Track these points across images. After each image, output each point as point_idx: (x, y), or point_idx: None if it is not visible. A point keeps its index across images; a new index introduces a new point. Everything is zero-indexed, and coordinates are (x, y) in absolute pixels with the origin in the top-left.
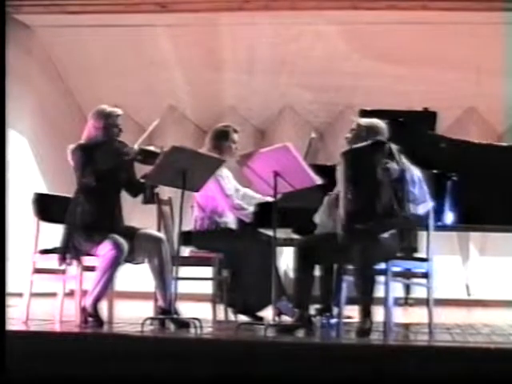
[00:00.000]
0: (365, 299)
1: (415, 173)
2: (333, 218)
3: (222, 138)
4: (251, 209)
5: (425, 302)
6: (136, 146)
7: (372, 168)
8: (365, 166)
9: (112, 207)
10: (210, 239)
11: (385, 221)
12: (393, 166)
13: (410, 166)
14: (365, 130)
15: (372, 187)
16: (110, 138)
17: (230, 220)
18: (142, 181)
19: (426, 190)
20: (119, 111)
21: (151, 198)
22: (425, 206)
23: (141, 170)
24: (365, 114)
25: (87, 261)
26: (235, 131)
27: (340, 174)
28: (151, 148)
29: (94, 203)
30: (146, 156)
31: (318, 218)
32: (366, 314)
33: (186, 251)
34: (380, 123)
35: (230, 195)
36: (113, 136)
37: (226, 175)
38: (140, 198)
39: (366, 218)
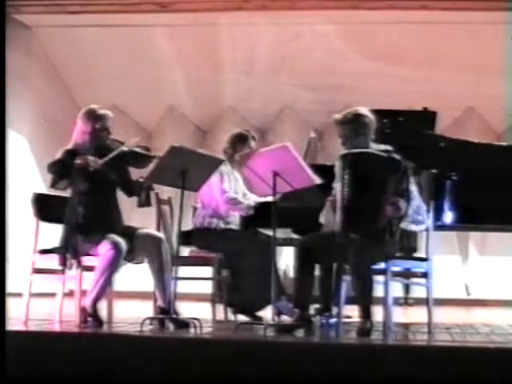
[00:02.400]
0: (364, 300)
1: (416, 195)
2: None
3: (240, 141)
4: (248, 202)
5: (424, 302)
6: (125, 148)
7: (381, 184)
8: (374, 178)
9: (109, 207)
10: (209, 239)
11: (379, 238)
12: (402, 203)
13: (414, 187)
14: (359, 128)
15: (375, 202)
16: (98, 143)
17: (232, 220)
18: (141, 180)
19: (425, 210)
20: (109, 114)
21: (146, 201)
22: (421, 226)
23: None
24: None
25: (86, 261)
26: (254, 138)
27: (344, 176)
28: (139, 150)
29: (90, 204)
30: (135, 159)
31: (322, 218)
32: (366, 314)
33: (185, 251)
34: (368, 115)
35: (226, 191)
36: (101, 140)
37: (233, 177)
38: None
39: (362, 229)
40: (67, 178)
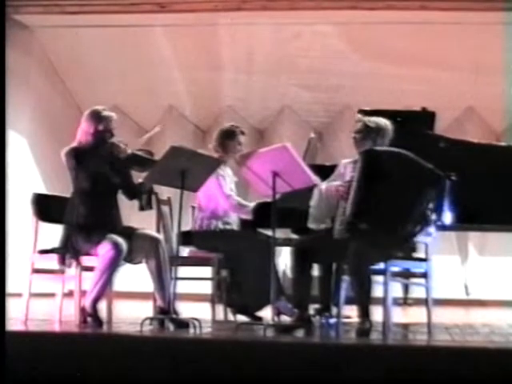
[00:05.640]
0: (362, 300)
1: None
2: (328, 208)
3: (228, 137)
4: (251, 205)
5: (424, 302)
6: (129, 150)
7: (415, 192)
8: (408, 183)
9: (109, 208)
10: (209, 239)
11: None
12: (433, 217)
13: None
14: (375, 131)
15: (404, 207)
16: (101, 143)
17: (232, 221)
18: (141, 181)
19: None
20: (113, 115)
21: (147, 205)
22: (428, 238)
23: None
24: (364, 114)
25: (86, 261)
26: (242, 133)
27: (368, 172)
28: (141, 154)
29: (90, 204)
30: (137, 162)
31: (312, 202)
32: (365, 314)
33: (185, 251)
34: (387, 124)
35: (230, 195)
36: (104, 141)
37: (227, 175)
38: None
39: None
40: (93, 162)
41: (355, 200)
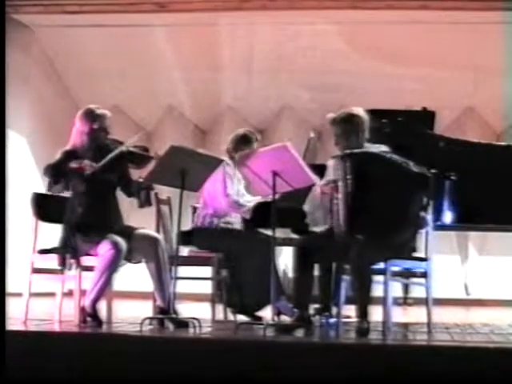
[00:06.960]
0: (362, 299)
1: None
2: (325, 212)
3: (244, 142)
4: (249, 204)
5: (424, 302)
6: (124, 148)
7: (406, 196)
8: (397, 188)
9: (108, 207)
10: (209, 238)
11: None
12: (427, 216)
13: None
14: (354, 131)
15: (397, 211)
16: (97, 143)
17: (233, 220)
18: (140, 180)
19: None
20: (107, 113)
21: (146, 201)
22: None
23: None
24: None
25: (86, 261)
26: (257, 140)
27: (348, 176)
28: (137, 150)
29: (89, 204)
30: (132, 159)
31: (307, 207)
32: (363, 313)
33: (185, 251)
34: (361, 115)
35: (230, 194)
36: (99, 140)
37: (236, 176)
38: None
39: (372, 230)
40: (62, 182)
41: (346, 212)
